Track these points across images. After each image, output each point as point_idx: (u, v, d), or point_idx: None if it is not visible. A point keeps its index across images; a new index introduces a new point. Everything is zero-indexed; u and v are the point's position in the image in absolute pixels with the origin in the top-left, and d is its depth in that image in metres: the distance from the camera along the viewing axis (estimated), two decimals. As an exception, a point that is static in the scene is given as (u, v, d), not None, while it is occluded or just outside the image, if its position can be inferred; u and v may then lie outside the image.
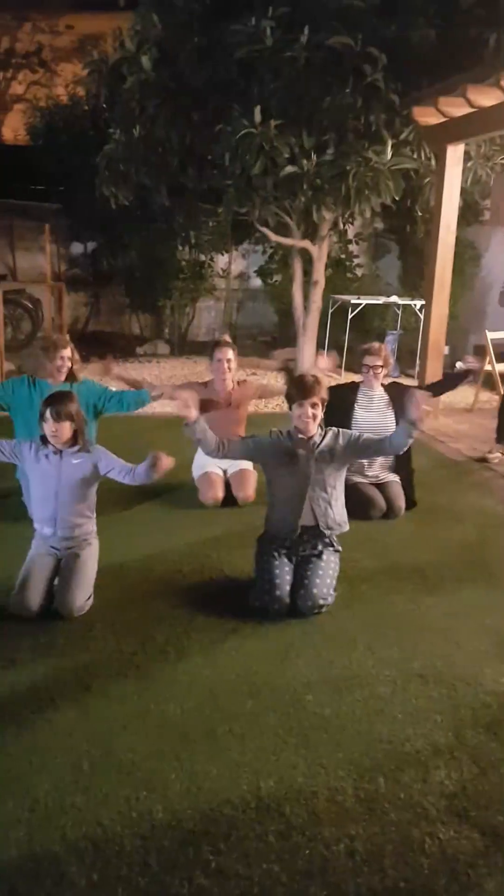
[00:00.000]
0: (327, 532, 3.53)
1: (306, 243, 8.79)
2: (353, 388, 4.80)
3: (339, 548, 3.61)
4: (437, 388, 5.12)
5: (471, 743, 2.55)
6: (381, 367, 4.70)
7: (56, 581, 3.35)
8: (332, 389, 3.88)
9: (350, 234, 10.87)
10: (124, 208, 8.92)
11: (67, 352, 4.42)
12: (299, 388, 3.49)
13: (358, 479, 4.61)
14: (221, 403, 4.87)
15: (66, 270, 12.54)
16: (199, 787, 2.31)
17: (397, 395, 4.76)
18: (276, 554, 3.49)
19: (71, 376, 4.45)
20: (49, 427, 3.34)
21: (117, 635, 3.16)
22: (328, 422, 3.68)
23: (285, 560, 3.48)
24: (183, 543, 4.16)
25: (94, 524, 3.58)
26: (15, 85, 17.95)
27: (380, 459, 4.69)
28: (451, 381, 5.34)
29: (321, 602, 3.34)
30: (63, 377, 4.41)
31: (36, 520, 3.52)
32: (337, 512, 3.58)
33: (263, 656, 3.04)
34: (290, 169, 6.91)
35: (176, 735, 2.54)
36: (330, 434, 3.56)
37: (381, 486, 4.66)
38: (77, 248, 12.68)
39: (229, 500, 4.73)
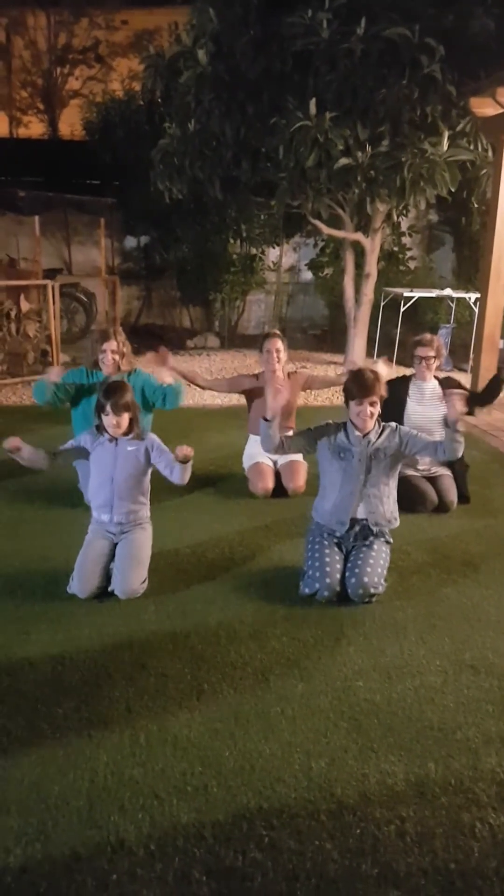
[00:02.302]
0: (375, 529, 3.52)
1: (359, 236, 8.76)
2: (404, 381, 4.79)
3: (391, 539, 3.62)
4: (485, 397, 4.97)
5: (522, 733, 2.55)
6: (434, 357, 4.68)
7: (113, 564, 3.45)
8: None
9: (403, 227, 10.80)
10: (177, 202, 9.02)
11: (112, 344, 4.40)
12: (359, 386, 3.42)
13: (410, 472, 4.60)
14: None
15: (120, 264, 12.74)
16: (252, 764, 2.37)
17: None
18: (326, 542, 3.52)
19: (119, 367, 4.46)
20: (110, 420, 3.44)
21: (171, 617, 3.24)
22: (381, 416, 3.67)
23: (336, 549, 3.50)
24: (234, 531, 4.23)
25: (148, 510, 3.68)
26: (72, 80, 18.21)
27: (432, 454, 4.68)
28: (494, 385, 5.00)
29: (371, 590, 3.36)
30: (109, 369, 4.43)
31: (93, 506, 3.62)
32: (388, 509, 3.56)
33: (314, 643, 3.08)
34: (344, 161, 6.91)
35: (230, 714, 2.60)
36: (387, 431, 3.52)
37: (433, 480, 4.65)
38: (130, 242, 12.88)
39: (279, 490, 4.77)
